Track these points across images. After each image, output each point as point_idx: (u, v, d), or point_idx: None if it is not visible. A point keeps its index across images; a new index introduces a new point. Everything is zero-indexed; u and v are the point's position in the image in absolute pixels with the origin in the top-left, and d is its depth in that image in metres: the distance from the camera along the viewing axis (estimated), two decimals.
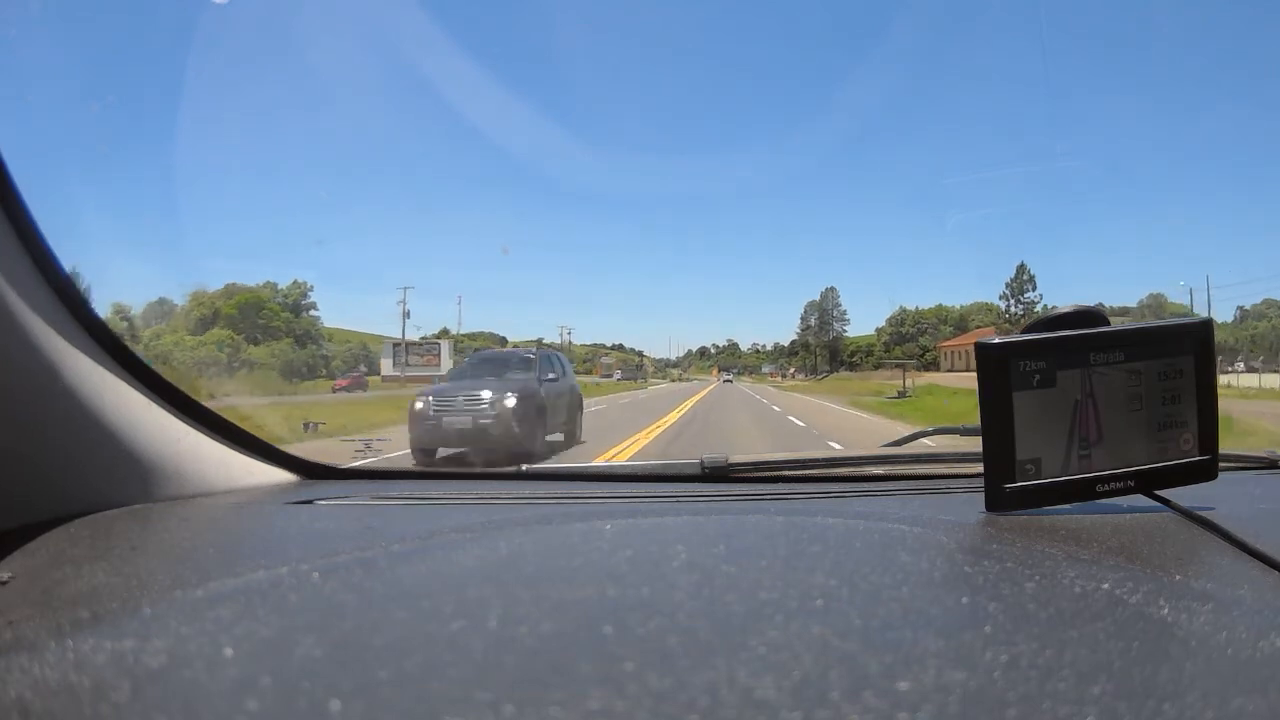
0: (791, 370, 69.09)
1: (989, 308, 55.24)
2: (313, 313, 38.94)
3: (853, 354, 65.02)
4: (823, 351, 66.09)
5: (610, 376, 57.94)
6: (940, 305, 61.03)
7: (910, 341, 57.57)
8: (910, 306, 62.05)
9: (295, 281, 37.97)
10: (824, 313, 69.95)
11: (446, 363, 34.70)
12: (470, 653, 0.32)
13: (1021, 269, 48.36)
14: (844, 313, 70.20)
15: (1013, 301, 48.41)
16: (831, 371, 61.63)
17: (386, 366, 36.01)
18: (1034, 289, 47.59)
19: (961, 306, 58.84)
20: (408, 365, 35.08)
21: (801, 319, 74.13)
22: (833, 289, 71.59)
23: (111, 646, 0.33)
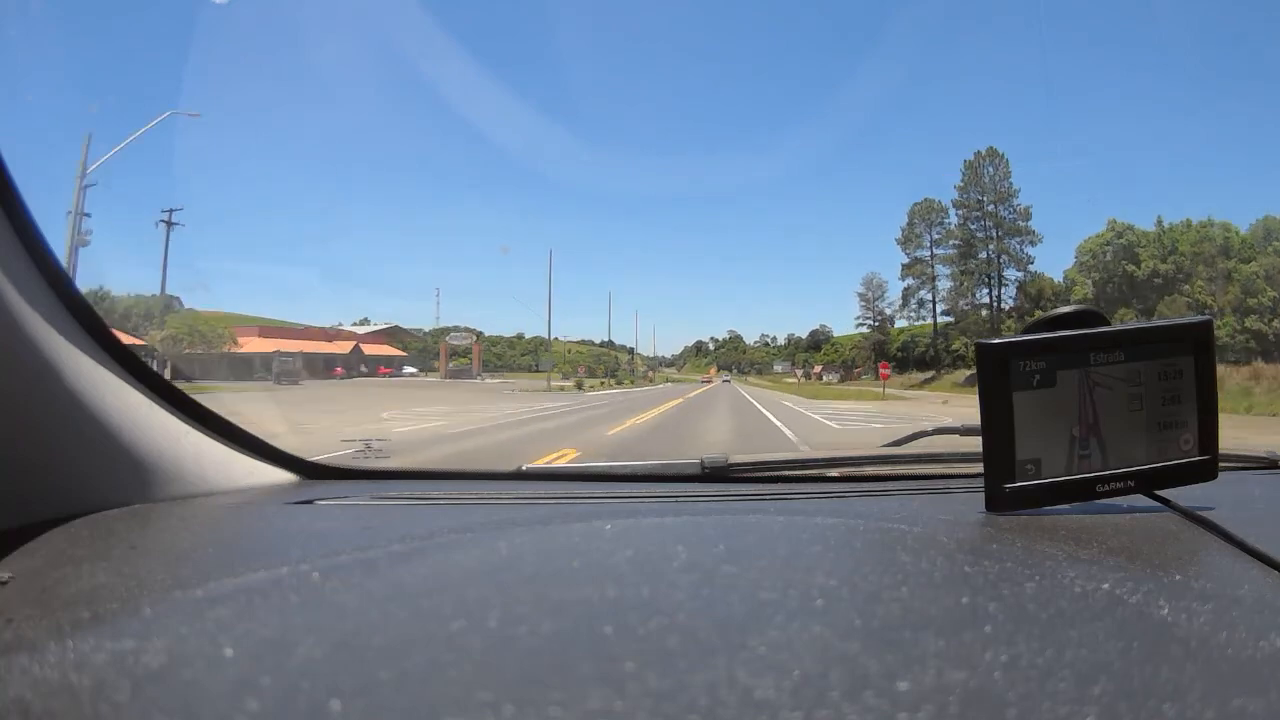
0: (818, 369, 52.71)
1: None
2: None
3: (898, 348, 40.80)
4: (886, 335, 39.49)
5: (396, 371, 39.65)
6: (1210, 220, 29.40)
7: (1160, 292, 25.28)
8: (1135, 225, 31.01)
9: None
10: (985, 214, 33.74)
11: None
12: (470, 653, 0.32)
13: None
14: (1029, 216, 34.43)
15: None
16: (934, 372, 36.36)
17: None
18: None
19: (1266, 219, 29.52)
20: None
21: (906, 236, 38.41)
22: (995, 151, 36.49)
23: (111, 646, 0.33)
